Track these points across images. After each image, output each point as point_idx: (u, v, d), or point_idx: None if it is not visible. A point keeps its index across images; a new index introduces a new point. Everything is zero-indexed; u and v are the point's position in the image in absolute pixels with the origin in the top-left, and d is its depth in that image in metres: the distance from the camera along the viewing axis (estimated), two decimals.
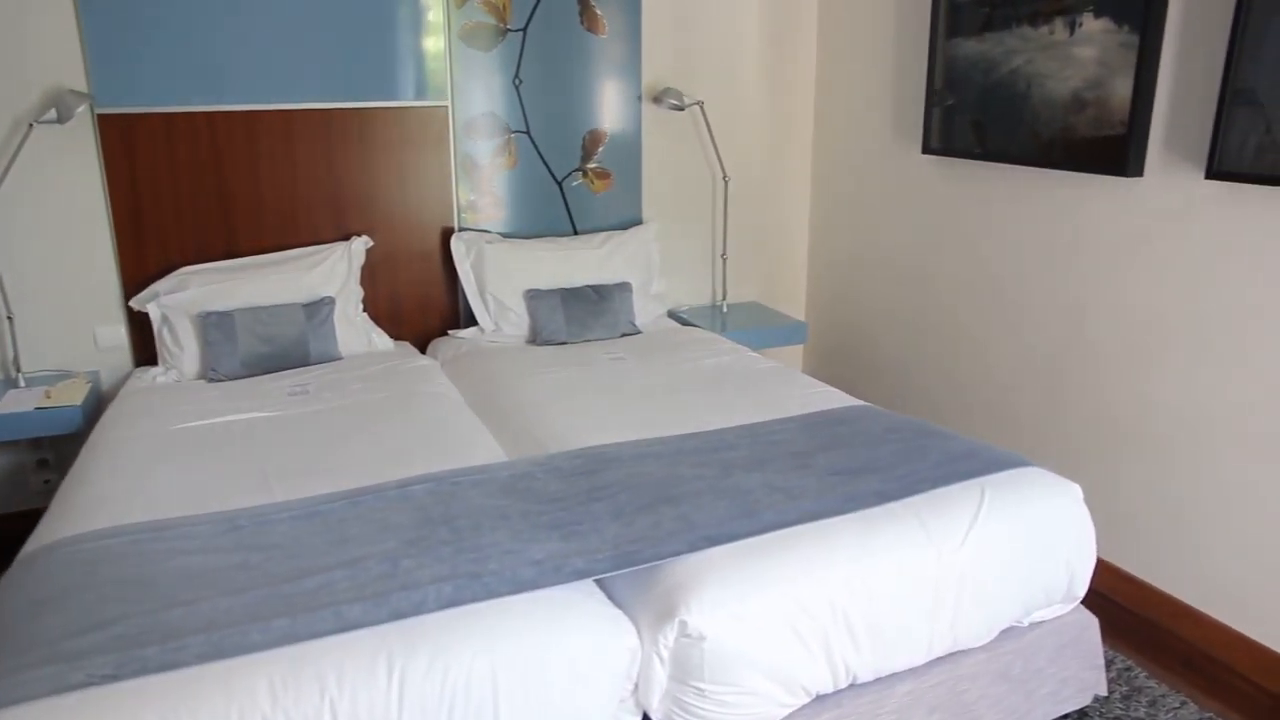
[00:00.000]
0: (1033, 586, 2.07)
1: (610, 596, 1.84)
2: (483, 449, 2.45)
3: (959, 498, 2.04)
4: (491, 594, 1.69)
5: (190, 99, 3.01)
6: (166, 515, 2.02)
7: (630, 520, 1.95)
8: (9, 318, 2.91)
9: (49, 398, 2.83)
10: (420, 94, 3.28)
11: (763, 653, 1.74)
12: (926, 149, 3.28)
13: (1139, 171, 2.61)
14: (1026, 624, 2.15)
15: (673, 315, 3.82)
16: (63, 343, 3.06)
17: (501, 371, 3.00)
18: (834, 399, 2.73)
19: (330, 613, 1.62)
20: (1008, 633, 2.10)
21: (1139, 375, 2.70)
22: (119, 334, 3.10)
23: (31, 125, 2.80)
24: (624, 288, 3.46)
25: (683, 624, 1.69)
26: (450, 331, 3.44)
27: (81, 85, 2.89)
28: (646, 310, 3.60)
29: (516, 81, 3.40)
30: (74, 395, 2.84)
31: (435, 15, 3.24)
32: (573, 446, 2.38)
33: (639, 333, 3.45)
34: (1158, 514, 2.68)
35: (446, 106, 3.33)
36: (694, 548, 1.83)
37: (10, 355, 2.95)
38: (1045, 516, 2.08)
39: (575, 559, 1.80)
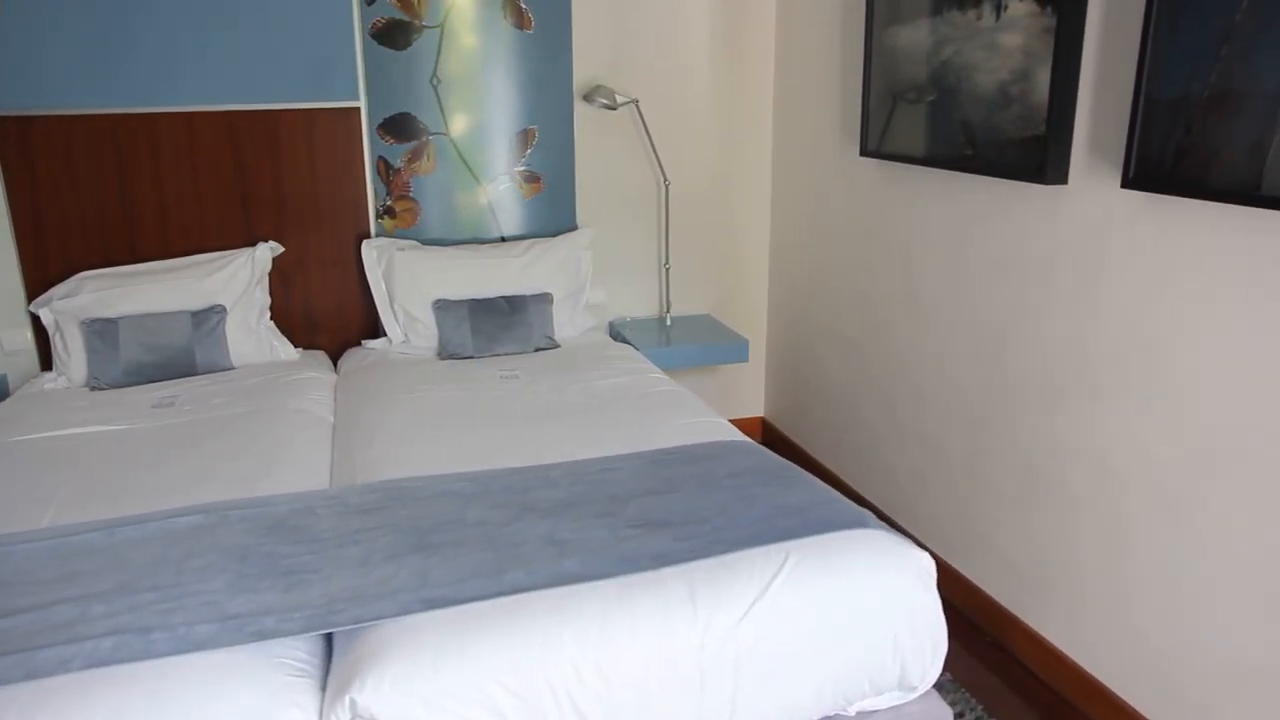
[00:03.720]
0: (847, 673, 1.75)
1: (326, 661, 1.64)
2: (308, 474, 2.29)
3: (755, 564, 1.75)
4: (150, 654, 1.51)
5: (90, 101, 2.96)
6: None
7: (369, 571, 1.75)
8: None
9: None
10: (329, 95, 3.15)
11: None
12: (864, 151, 2.93)
13: (1061, 179, 2.22)
14: (853, 713, 1.83)
15: (614, 327, 3.59)
16: None
17: (380, 388, 2.83)
18: (711, 431, 2.45)
19: None
20: None
21: (1048, 414, 2.31)
22: (24, 338, 3.09)
23: None
24: (543, 299, 3.24)
25: (353, 703, 1.48)
26: (364, 342, 3.31)
27: None
28: (575, 322, 3.38)
29: (434, 81, 3.23)
30: None
31: (344, 12, 3.09)
32: (384, 477, 2.20)
33: (556, 347, 3.23)
34: (1068, 575, 2.28)
35: (358, 107, 3.19)
36: (405, 610, 1.61)
37: None
38: (867, 591, 1.76)
39: (268, 617, 1.61)
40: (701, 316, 3.71)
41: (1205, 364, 1.89)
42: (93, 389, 2.87)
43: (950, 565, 2.75)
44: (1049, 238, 2.28)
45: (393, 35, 3.16)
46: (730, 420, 3.73)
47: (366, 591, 1.68)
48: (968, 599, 2.67)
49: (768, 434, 3.89)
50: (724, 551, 1.77)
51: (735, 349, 3.42)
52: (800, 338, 3.59)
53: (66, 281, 2.99)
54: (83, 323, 2.90)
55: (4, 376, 3.10)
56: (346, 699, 1.48)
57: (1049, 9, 2.18)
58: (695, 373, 3.76)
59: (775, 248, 3.72)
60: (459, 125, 3.29)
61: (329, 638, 1.68)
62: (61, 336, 2.94)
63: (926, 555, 1.84)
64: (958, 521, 2.72)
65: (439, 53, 3.21)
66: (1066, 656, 2.32)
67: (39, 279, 3.05)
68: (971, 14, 2.44)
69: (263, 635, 1.57)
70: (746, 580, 1.70)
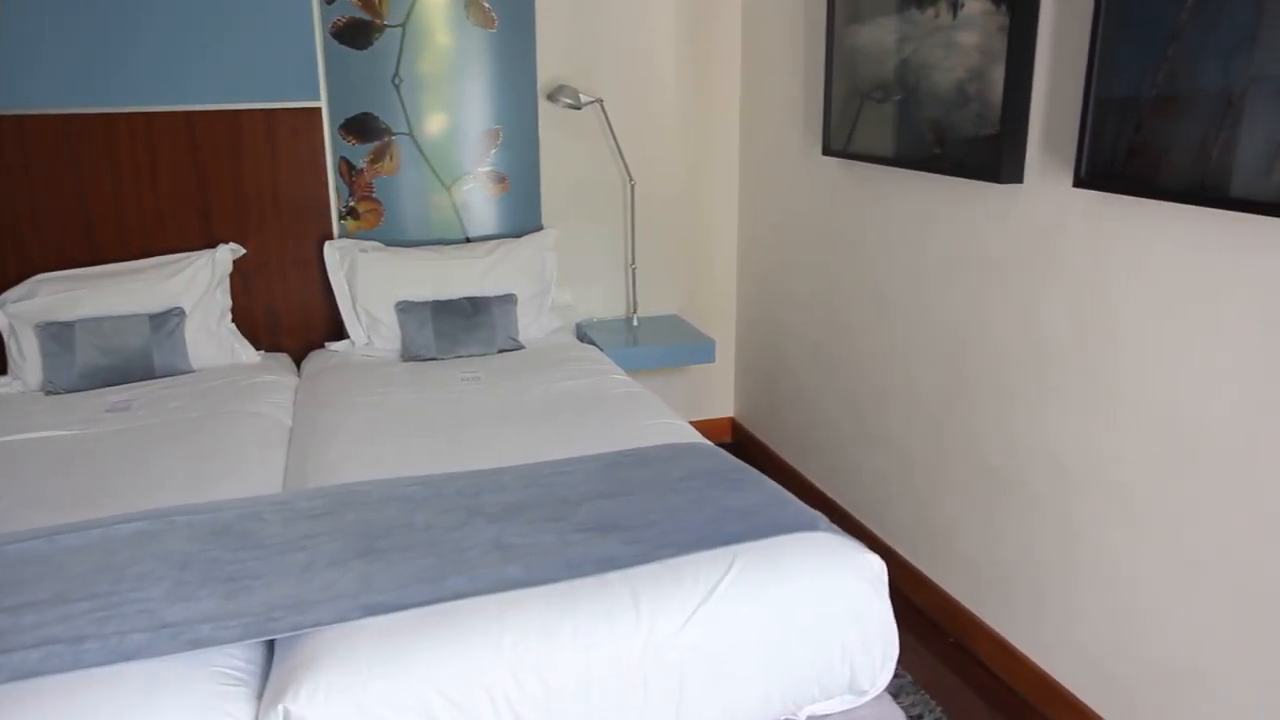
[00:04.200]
0: (795, 677, 1.74)
1: (266, 669, 1.62)
2: (260, 479, 2.27)
3: (701, 568, 1.73)
4: (80, 665, 1.49)
5: (47, 101, 2.92)
6: None
7: (312, 577, 1.73)
8: None
9: None
10: (290, 94, 3.12)
11: None
12: (826, 150, 2.91)
13: (1016, 177, 2.21)
14: (803, 718, 1.82)
15: (581, 328, 3.57)
16: None
17: (339, 390, 2.80)
18: (669, 433, 2.44)
19: None
20: None
21: (1005, 414, 2.31)
22: None
23: None
24: (507, 299, 3.22)
25: (286, 712, 1.45)
26: (326, 344, 3.28)
27: None
28: (540, 323, 3.35)
29: (396, 80, 3.20)
30: None
31: (304, 11, 3.06)
32: (336, 481, 2.17)
33: (520, 348, 3.21)
34: (1027, 575, 2.28)
35: (319, 108, 3.16)
36: (343, 617, 1.59)
37: None
38: (814, 595, 1.75)
39: (205, 625, 1.58)
40: (669, 317, 3.70)
41: (1155, 364, 1.89)
42: (48, 393, 2.83)
43: (914, 566, 2.74)
44: (1004, 237, 2.27)
45: (354, 34, 3.13)
46: (700, 421, 3.78)
47: (307, 598, 1.66)
48: (930, 599, 2.66)
49: (737, 434, 3.88)
50: (670, 555, 1.75)
51: (702, 349, 3.40)
52: (768, 338, 3.58)
53: (22, 284, 2.95)
54: (37, 326, 2.86)
55: None
56: (280, 708, 1.46)
57: (1003, 6, 2.17)
58: (664, 373, 3.74)
59: (743, 247, 3.71)
60: (422, 125, 3.26)
61: (271, 646, 1.66)
62: (16, 340, 2.90)
63: (876, 559, 1.83)
64: (921, 522, 2.71)
65: (401, 52, 3.18)
66: (1026, 657, 2.31)
67: None
68: (930, 12, 2.43)
69: (198, 643, 1.54)
70: (691, 585, 1.69)
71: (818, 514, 1.93)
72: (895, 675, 1.88)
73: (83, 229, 3.05)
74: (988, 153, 2.24)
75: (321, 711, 1.46)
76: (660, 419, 2.55)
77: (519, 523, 1.91)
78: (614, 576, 1.70)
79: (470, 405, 2.66)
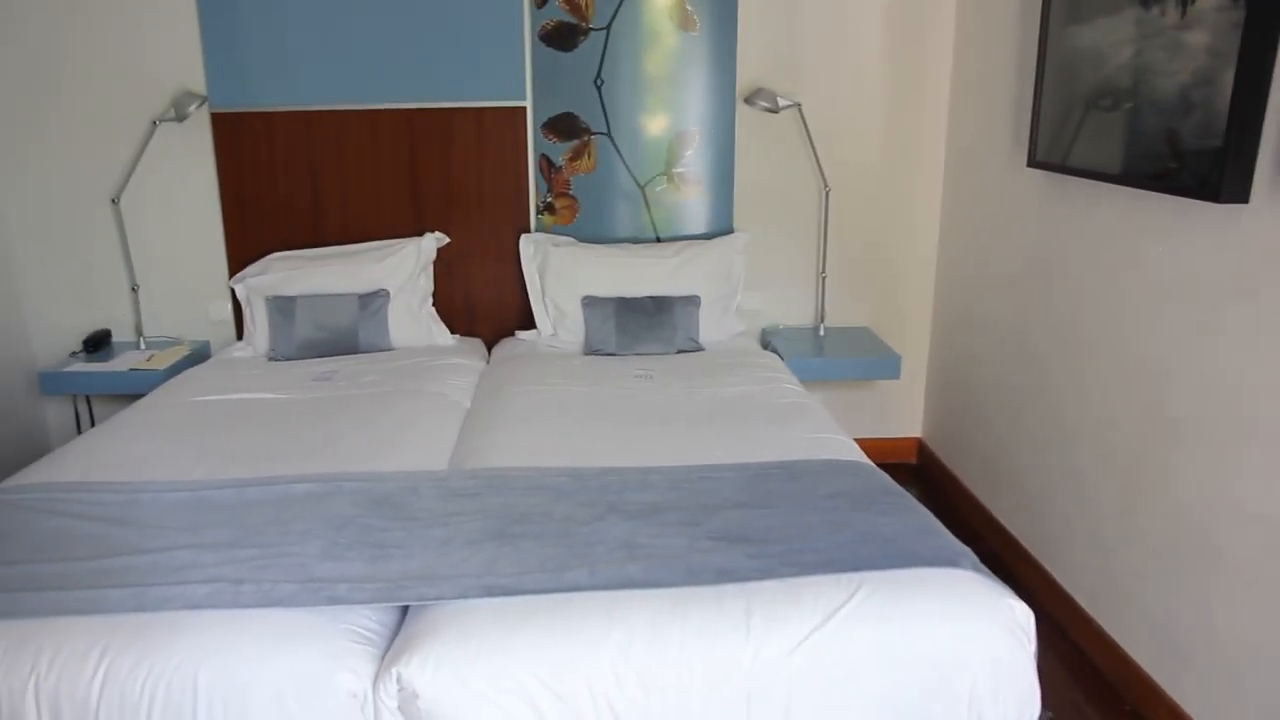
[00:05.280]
0: (911, 718, 1.62)
1: (397, 632, 1.72)
2: (430, 455, 2.42)
3: (822, 592, 1.66)
4: (237, 604, 1.65)
5: (288, 100, 3.26)
6: (99, 478, 2.21)
7: (447, 553, 1.82)
8: (134, 288, 3.36)
9: (148, 361, 3.22)
10: (499, 94, 3.29)
11: None
12: (1032, 162, 2.69)
13: (1241, 197, 1.94)
14: None
15: (765, 334, 3.52)
16: (184, 314, 3.47)
17: (518, 378, 2.93)
18: (829, 448, 2.35)
19: (87, 594, 1.67)
20: None
21: (1209, 464, 2.03)
22: (225, 310, 3.46)
23: (155, 123, 3.21)
24: (690, 300, 3.23)
25: (399, 676, 1.54)
26: (517, 332, 3.43)
27: (200, 87, 3.25)
28: (724, 326, 3.34)
29: (598, 81, 3.29)
30: (166, 362, 3.21)
31: (515, 15, 3.22)
32: (494, 464, 2.27)
33: (699, 350, 3.21)
34: (1215, 648, 1.99)
35: (525, 107, 3.31)
36: (463, 594, 1.66)
37: (134, 321, 3.40)
38: (943, 636, 1.63)
39: (343, 585, 1.70)
40: (859, 329, 3.57)
41: None
42: (270, 360, 3.16)
43: (1093, 619, 2.49)
44: (1223, 264, 2.01)
45: (560, 37, 3.25)
46: (884, 439, 3.64)
47: (437, 572, 1.74)
48: (1108, 658, 2.41)
49: (923, 456, 3.68)
50: (793, 574, 1.69)
51: (886, 364, 3.26)
52: (959, 358, 3.37)
53: (259, 261, 3.31)
54: (268, 299, 3.20)
55: (208, 342, 3.48)
56: (394, 671, 1.54)
57: (1240, 1, 1.92)
58: (850, 386, 3.62)
59: (943, 262, 3.51)
60: (620, 125, 3.34)
61: (406, 611, 1.76)
62: (251, 310, 3.26)
63: (1022, 606, 1.67)
64: (1103, 573, 2.45)
65: (604, 54, 3.27)
66: None
67: (240, 257, 3.39)
68: (1155, 10, 2.19)
69: (335, 600, 1.67)
70: (810, 608, 1.62)
71: (965, 550, 1.80)
72: None
73: (313, 214, 3.37)
74: (1208, 168, 1.99)
75: (430, 681, 1.53)
76: (823, 433, 2.46)
77: (653, 524, 1.92)
78: (731, 589, 1.67)
79: (638, 402, 2.69)
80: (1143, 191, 2.27)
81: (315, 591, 1.68)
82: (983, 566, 1.78)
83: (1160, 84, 2.18)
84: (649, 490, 2.09)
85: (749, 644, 1.58)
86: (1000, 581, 1.73)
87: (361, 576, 1.74)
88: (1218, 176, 1.96)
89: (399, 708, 1.55)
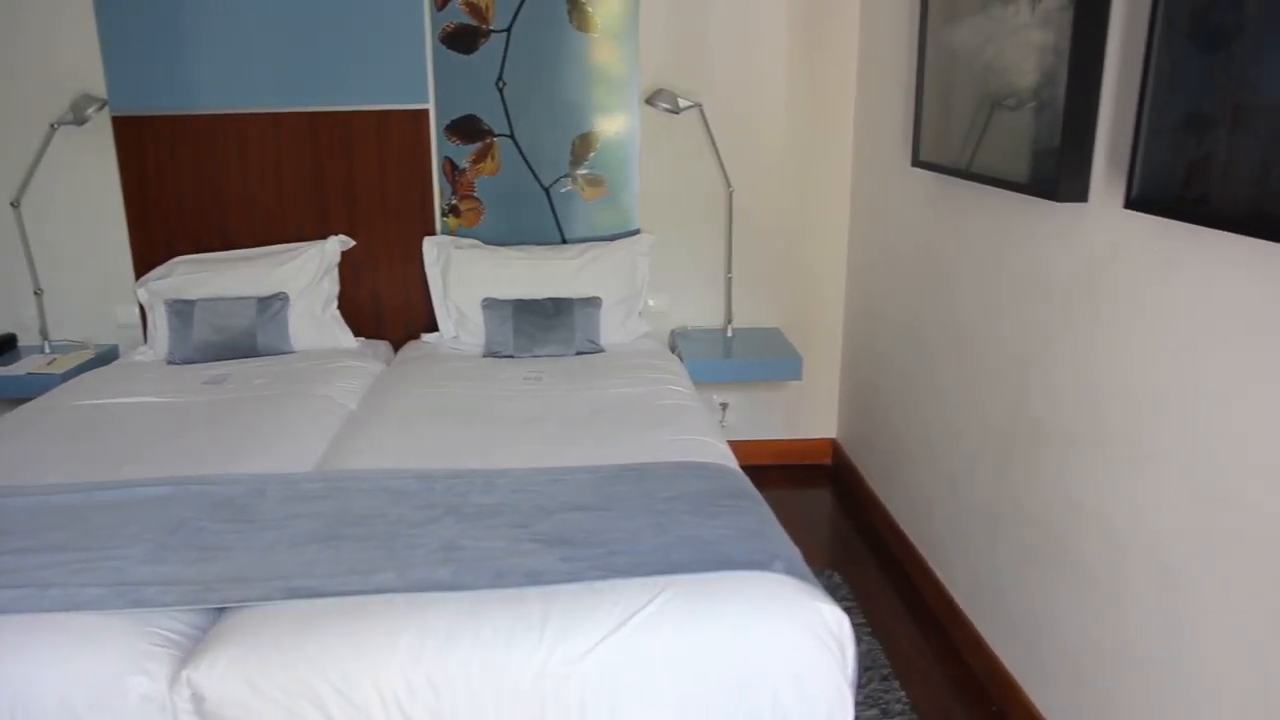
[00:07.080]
0: None
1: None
2: (294, 458, 2.40)
3: (624, 595, 1.65)
4: (40, 608, 1.64)
5: (189, 104, 3.25)
6: None
7: (270, 555, 1.81)
8: (37, 292, 3.35)
9: (49, 365, 3.22)
10: (401, 97, 3.28)
11: None
12: (915, 161, 2.68)
13: (1079, 195, 1.93)
14: None
15: (675, 336, 3.51)
16: (91, 318, 3.47)
17: (414, 380, 2.91)
18: (696, 450, 2.33)
19: None
20: None
21: (1060, 465, 2.02)
22: (132, 314, 3.45)
23: (54, 126, 3.21)
24: (591, 302, 3.22)
25: (188, 679, 1.53)
26: (422, 335, 3.42)
27: (100, 90, 3.25)
28: (627, 327, 3.33)
29: (500, 84, 3.28)
30: (66, 365, 3.21)
31: (416, 18, 3.22)
32: (355, 466, 2.27)
33: (600, 351, 3.20)
34: (1065, 648, 1.98)
35: (428, 109, 3.30)
36: (267, 596, 1.65)
37: (40, 325, 3.40)
38: (745, 641, 1.61)
39: (151, 588, 1.69)
40: (769, 330, 3.55)
41: (1221, 422, 1.58)
42: (169, 363, 3.15)
43: (971, 623, 2.47)
44: (1067, 262, 2.00)
45: (461, 40, 3.24)
46: (798, 440, 3.62)
47: (252, 574, 1.73)
48: (980, 659, 2.39)
49: (837, 458, 3.66)
50: (599, 578, 1.68)
51: (788, 366, 3.25)
52: (868, 358, 3.36)
53: (164, 265, 3.31)
54: (168, 302, 3.19)
55: (116, 346, 3.47)
56: (184, 675, 1.54)
57: None
58: (767, 387, 3.60)
59: (852, 262, 3.50)
60: (523, 127, 3.33)
61: (221, 614, 1.75)
62: (153, 314, 3.25)
63: (833, 610, 1.65)
64: (978, 577, 2.44)
65: (505, 56, 3.27)
66: None
67: (147, 260, 3.38)
68: (1011, 8, 2.18)
69: (139, 603, 1.65)
70: (607, 612, 1.61)
71: (782, 553, 1.78)
72: None
73: (216, 218, 3.37)
74: (1051, 167, 1.97)
75: (218, 684, 1.52)
76: (696, 435, 2.45)
77: (483, 526, 1.91)
78: (534, 592, 1.65)
79: (518, 405, 2.68)
80: (1004, 191, 2.26)
81: (121, 595, 1.67)
82: (804, 569, 1.76)
83: (1016, 82, 2.17)
84: (493, 493, 2.08)
85: (541, 648, 1.57)
86: (814, 585, 1.72)
87: (174, 580, 1.73)
88: (1052, 174, 1.95)
89: (194, 711, 1.55)
